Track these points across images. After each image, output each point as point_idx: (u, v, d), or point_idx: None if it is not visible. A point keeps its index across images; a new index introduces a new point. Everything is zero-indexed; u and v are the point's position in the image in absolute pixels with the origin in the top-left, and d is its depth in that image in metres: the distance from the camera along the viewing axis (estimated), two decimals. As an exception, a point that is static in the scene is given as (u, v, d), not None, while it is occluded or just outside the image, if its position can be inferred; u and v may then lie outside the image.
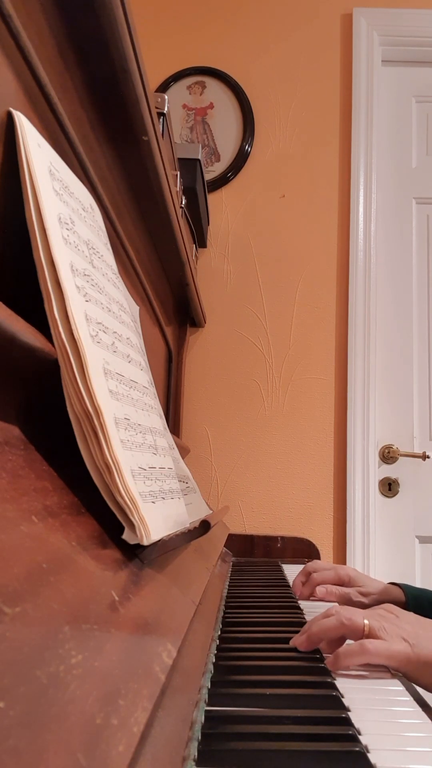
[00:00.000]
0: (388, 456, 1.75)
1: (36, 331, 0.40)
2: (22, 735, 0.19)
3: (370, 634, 0.61)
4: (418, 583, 1.69)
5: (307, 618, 0.81)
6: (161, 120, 1.05)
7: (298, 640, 0.64)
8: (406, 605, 0.91)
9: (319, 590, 0.94)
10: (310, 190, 1.84)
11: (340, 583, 0.96)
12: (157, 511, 0.50)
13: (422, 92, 1.94)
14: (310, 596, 0.96)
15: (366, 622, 0.62)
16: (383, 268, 1.84)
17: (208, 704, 0.48)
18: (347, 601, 0.92)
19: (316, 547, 1.61)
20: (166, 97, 1.07)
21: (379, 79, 1.88)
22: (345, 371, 1.74)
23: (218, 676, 0.54)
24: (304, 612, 0.85)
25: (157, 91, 1.86)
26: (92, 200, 0.62)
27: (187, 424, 1.73)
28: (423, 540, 1.73)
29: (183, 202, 1.34)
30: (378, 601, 0.91)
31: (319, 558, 1.60)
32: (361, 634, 0.62)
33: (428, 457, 1.72)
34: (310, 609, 0.89)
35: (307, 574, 0.99)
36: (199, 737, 0.41)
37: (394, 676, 0.60)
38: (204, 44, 1.90)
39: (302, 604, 0.91)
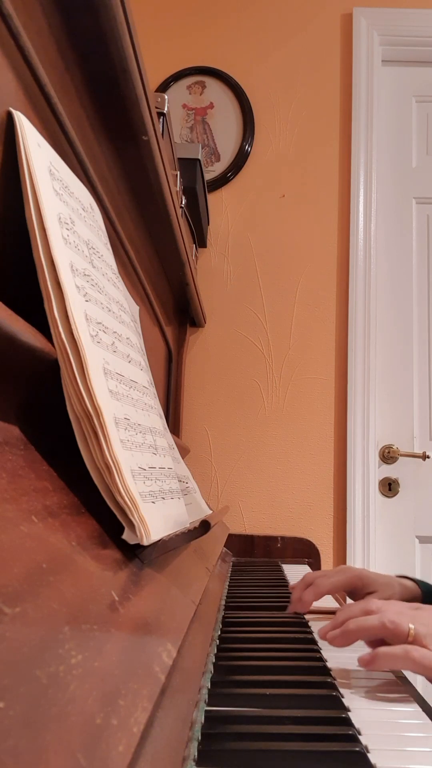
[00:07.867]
0: (388, 456, 1.75)
1: (36, 331, 0.40)
2: (22, 735, 0.19)
3: (415, 641, 0.56)
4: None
5: (307, 618, 0.81)
6: (161, 120, 1.05)
7: (331, 635, 0.60)
8: (422, 602, 0.86)
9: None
10: (310, 189, 1.84)
11: (352, 588, 0.85)
12: (157, 511, 0.50)
13: (422, 92, 1.94)
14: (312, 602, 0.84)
15: (411, 626, 0.57)
16: (383, 268, 1.84)
17: (208, 704, 0.48)
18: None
19: (316, 547, 1.61)
20: (166, 97, 1.07)
21: (379, 79, 1.88)
22: (345, 371, 1.74)
23: (218, 676, 0.54)
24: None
25: (157, 91, 1.86)
26: (92, 200, 0.62)
27: (187, 424, 1.73)
28: (423, 540, 1.73)
29: (183, 202, 1.34)
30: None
31: (318, 558, 1.60)
32: (405, 639, 0.57)
33: (428, 457, 1.71)
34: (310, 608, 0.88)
35: (307, 585, 0.85)
36: (199, 737, 0.41)
37: (396, 676, 0.60)
38: (204, 44, 1.90)
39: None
